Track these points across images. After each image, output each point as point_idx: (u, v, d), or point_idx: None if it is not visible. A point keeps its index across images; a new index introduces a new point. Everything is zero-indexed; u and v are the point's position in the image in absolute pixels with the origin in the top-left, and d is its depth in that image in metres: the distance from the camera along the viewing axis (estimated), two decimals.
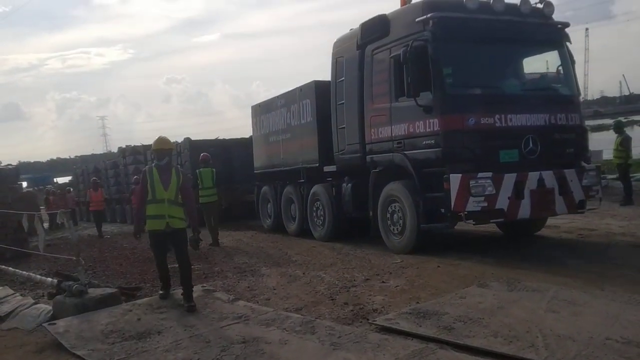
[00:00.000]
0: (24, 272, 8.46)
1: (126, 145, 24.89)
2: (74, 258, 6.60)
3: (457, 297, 6.19)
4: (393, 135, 10.21)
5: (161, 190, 6.65)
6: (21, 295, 7.70)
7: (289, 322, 5.75)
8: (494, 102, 9.31)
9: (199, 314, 6.41)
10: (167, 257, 7.07)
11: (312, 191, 12.98)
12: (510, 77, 9.99)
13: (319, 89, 12.79)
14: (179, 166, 6.37)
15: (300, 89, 13.48)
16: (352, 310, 6.25)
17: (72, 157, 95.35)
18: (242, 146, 20.37)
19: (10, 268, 8.89)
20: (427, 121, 9.34)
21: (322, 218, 12.67)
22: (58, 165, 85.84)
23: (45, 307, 6.80)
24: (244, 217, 18.61)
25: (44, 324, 6.07)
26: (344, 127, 11.73)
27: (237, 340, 5.31)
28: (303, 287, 7.61)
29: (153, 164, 6.96)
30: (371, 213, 10.95)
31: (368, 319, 5.80)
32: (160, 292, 7.01)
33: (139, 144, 24.09)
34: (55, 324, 5.99)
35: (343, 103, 11.68)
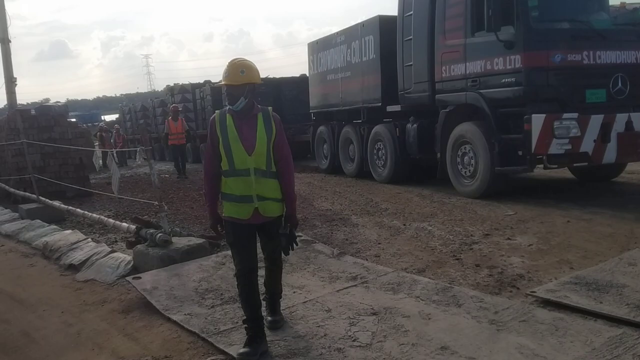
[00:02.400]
0: (94, 215, 8.12)
1: (174, 84, 24.71)
2: (156, 203, 6.26)
3: (625, 264, 5.02)
4: (467, 72, 9.71)
5: (242, 153, 3.78)
6: (93, 240, 7.32)
7: (419, 288, 4.73)
8: (582, 37, 8.69)
9: (304, 272, 5.47)
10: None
11: (373, 131, 12.63)
12: (599, 11, 9.33)
13: (383, 25, 12.25)
14: (270, 109, 4.02)
15: (363, 24, 12.95)
16: (490, 275, 5.21)
17: (117, 95, 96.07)
18: (292, 85, 20.05)
19: (79, 210, 8.67)
20: (508, 57, 8.80)
21: (383, 159, 12.36)
22: (104, 103, 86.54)
23: (123, 257, 6.24)
24: (295, 158, 18.34)
25: (127, 278, 5.43)
26: (410, 65, 11.25)
27: (365, 311, 4.31)
28: (412, 242, 6.68)
29: (226, 109, 3.94)
30: (439, 155, 10.59)
31: (518, 288, 4.80)
32: (244, 349, 3.75)
33: (187, 82, 23.86)
34: (140, 278, 5.32)
35: (411, 39, 11.17)
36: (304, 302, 4.65)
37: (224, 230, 4.03)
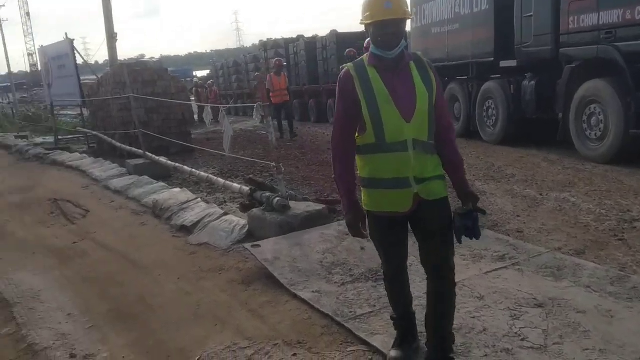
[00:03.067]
0: (202, 173, 7.85)
1: (267, 39, 24.22)
2: (273, 164, 5.74)
3: None
4: (600, 23, 8.54)
5: (397, 120, 2.68)
6: (202, 200, 6.91)
7: (586, 275, 3.89)
8: None
9: None
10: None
11: (483, 88, 11.62)
12: None
13: None
14: (420, 54, 2.81)
15: None
16: None
17: (207, 51, 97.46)
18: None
19: (186, 167, 8.36)
20: None
21: (493, 119, 11.37)
22: (195, 60, 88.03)
23: (237, 221, 5.75)
24: None
25: (245, 246, 4.94)
26: (531, 16, 10.11)
27: (526, 301, 3.57)
28: (557, 216, 5.73)
29: (367, 61, 2.76)
30: (560, 115, 9.54)
31: None
32: (395, 352, 3.04)
33: (280, 37, 23.31)
34: (259, 246, 4.82)
35: None
36: None
37: (366, 231, 2.94)
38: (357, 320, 3.53)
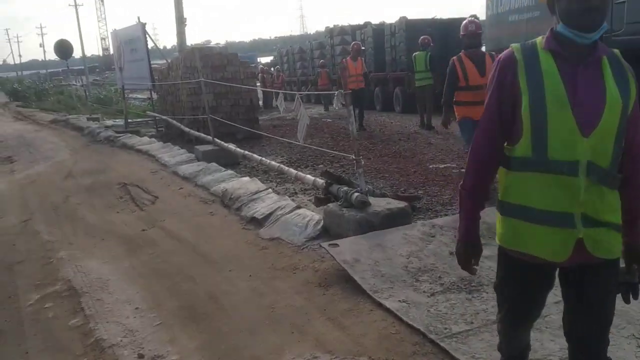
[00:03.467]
0: (273, 162, 7.44)
1: (334, 25, 23.76)
2: (353, 157, 5.26)
3: None
4: None
5: (570, 131, 1.86)
6: (273, 191, 6.57)
7: None
8: None
9: None
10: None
11: None
12: None
13: None
14: (618, 52, 2.08)
15: None
16: None
17: (272, 37, 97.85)
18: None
19: (256, 155, 8.03)
20: None
21: None
22: (260, 46, 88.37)
23: (311, 215, 5.34)
24: None
25: (322, 245, 4.50)
26: (623, 2, 9.28)
27: None
28: None
29: (542, 44, 2.00)
30: None
31: None
32: None
33: (347, 24, 22.79)
34: (337, 245, 4.37)
35: None
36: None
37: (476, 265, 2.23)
38: (454, 339, 3.09)
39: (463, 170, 2.46)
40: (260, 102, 24.63)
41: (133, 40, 14.15)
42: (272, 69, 30.41)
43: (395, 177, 7.51)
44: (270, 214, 5.66)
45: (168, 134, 13.17)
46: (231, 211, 6.29)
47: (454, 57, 6.56)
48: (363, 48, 13.62)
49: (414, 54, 13.47)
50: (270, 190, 6.46)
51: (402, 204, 4.99)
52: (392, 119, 15.60)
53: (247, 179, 7.15)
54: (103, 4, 59.35)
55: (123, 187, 7.95)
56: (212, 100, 11.40)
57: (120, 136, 12.60)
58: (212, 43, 22.36)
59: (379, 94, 19.67)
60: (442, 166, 8.05)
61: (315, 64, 25.92)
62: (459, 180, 2.22)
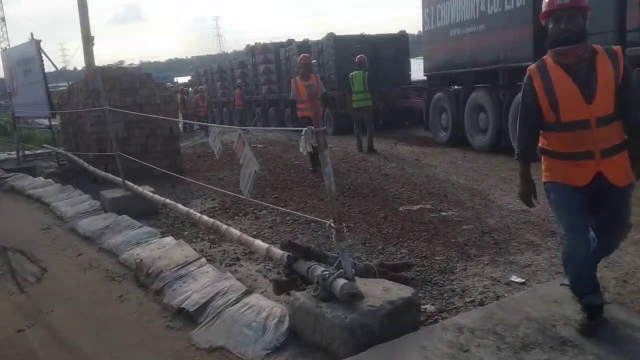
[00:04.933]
0: (206, 217, 5.26)
1: (255, 43, 21.97)
2: (332, 224, 3.28)
3: None
4: None
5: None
6: (208, 259, 4.68)
7: None
8: None
9: None
10: None
11: (518, 97, 9.58)
12: None
13: None
14: None
15: None
16: None
17: (188, 57, 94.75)
18: (390, 43, 17.01)
19: (181, 206, 5.93)
20: None
21: None
22: (176, 65, 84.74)
23: (269, 308, 3.53)
24: (395, 127, 15.52)
25: None
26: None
27: None
28: None
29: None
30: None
31: None
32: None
33: (269, 42, 21.07)
34: None
35: None
36: None
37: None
38: None
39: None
40: (181, 126, 22.44)
41: (27, 60, 11.81)
42: (191, 89, 28.17)
43: (362, 226, 5.81)
44: (207, 302, 3.81)
45: (71, 170, 10.83)
46: (149, 295, 4.35)
47: (533, 66, 3.22)
48: (314, 61, 9.78)
49: (350, 73, 12.01)
50: (203, 259, 4.58)
51: (406, 291, 3.26)
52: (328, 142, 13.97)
53: (170, 240, 5.21)
54: (5, 24, 54.22)
55: (1, 252, 5.81)
56: (123, 131, 9.32)
57: (8, 177, 10.11)
58: (126, 63, 19.99)
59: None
60: (415, 208, 6.44)
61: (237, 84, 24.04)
62: None
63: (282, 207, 6.90)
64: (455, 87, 11.80)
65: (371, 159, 10.52)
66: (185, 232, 5.98)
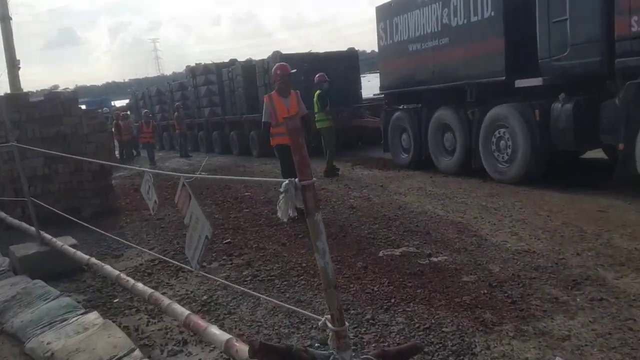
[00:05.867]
0: (139, 286, 3.71)
1: (196, 64, 20.64)
2: (329, 323, 2.10)
3: None
4: None
5: None
6: (145, 346, 3.62)
7: None
8: None
9: None
10: None
11: (491, 115, 8.78)
12: None
13: None
14: None
15: None
16: None
17: (126, 80, 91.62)
18: (339, 61, 16.08)
19: (109, 268, 4.50)
20: None
21: (507, 152, 8.54)
22: (113, 89, 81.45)
23: None
24: (349, 147, 14.57)
25: None
26: (565, 20, 7.39)
27: None
28: None
29: None
30: (621, 146, 6.81)
31: None
32: None
33: (210, 62, 19.81)
34: None
35: None
36: None
37: None
38: None
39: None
40: (117, 153, 20.73)
41: None
42: (128, 112, 26.43)
43: (340, 282, 4.61)
44: None
45: None
46: None
47: None
48: (294, 70, 7.64)
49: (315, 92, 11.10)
50: (137, 352, 3.32)
51: None
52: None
53: (93, 317, 3.89)
54: None
55: None
56: (43, 167, 7.87)
57: None
58: (61, 88, 18.35)
59: (255, 139, 16.91)
60: (398, 252, 5.36)
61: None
62: None
63: (236, 257, 5.73)
64: (417, 105, 10.92)
65: (331, 187, 9.44)
66: (117, 300, 4.66)
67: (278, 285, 4.77)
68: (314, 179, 2.20)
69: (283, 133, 6.71)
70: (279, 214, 2.23)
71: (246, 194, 9.58)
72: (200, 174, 3.48)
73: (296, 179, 2.19)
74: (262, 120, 7.39)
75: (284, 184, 2.20)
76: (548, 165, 8.31)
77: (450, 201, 7.62)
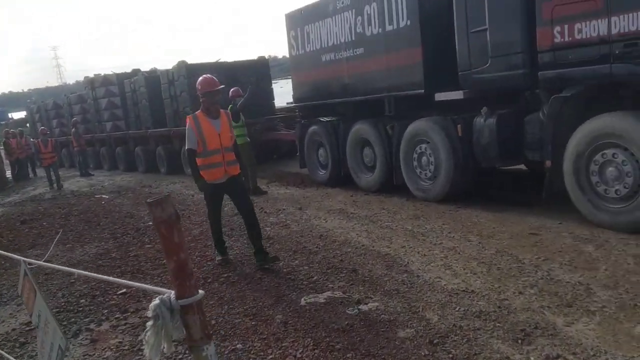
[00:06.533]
0: None
1: (95, 75, 19.12)
2: None
3: None
4: (612, 33, 5.63)
5: None
6: None
7: None
8: None
9: None
10: None
11: (411, 130, 8.29)
12: None
13: None
14: None
15: None
16: None
17: (25, 90, 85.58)
18: (250, 71, 15.24)
19: None
20: None
21: (430, 169, 8.08)
22: (12, 100, 75.42)
23: None
24: (264, 161, 13.77)
25: None
26: (484, 29, 7.00)
27: None
28: None
29: None
30: (548, 164, 6.47)
31: None
32: None
33: (111, 72, 18.37)
34: None
35: None
36: None
37: None
38: None
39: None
40: (9, 174, 18.92)
41: None
42: (22, 129, 24.23)
43: (256, 346, 3.80)
44: None
45: None
46: None
47: None
48: (222, 86, 5.28)
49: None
50: None
51: None
52: (163, 182, 11.86)
53: None
54: None
55: None
56: None
57: None
58: None
59: (162, 154, 15.76)
60: (322, 299, 4.61)
61: (77, 120, 20.89)
62: None
63: (132, 313, 4.80)
64: (333, 118, 10.32)
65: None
66: None
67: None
68: (201, 292, 1.41)
69: (215, 164, 5.63)
70: (146, 353, 1.43)
71: (149, 223, 8.57)
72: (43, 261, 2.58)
73: (172, 295, 1.40)
74: (186, 147, 5.82)
75: (152, 305, 1.40)
76: (472, 181, 7.91)
77: (374, 226, 7.00)
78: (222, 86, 5.92)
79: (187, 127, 5.71)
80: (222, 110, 5.90)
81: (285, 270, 5.54)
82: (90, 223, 9.14)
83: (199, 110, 5.81)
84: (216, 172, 5.66)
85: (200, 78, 5.85)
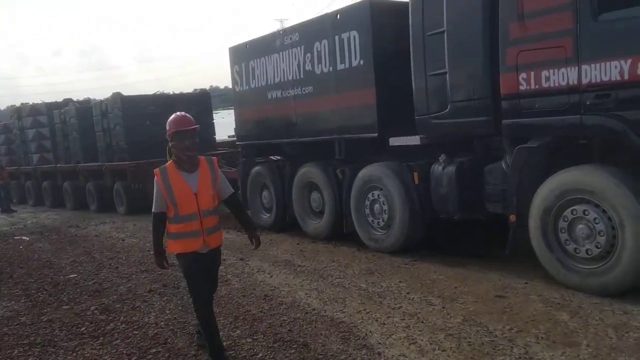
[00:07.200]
0: None
1: (21, 103, 17.76)
2: None
3: None
4: (582, 82, 5.24)
5: None
6: None
7: None
8: None
9: None
10: None
11: (363, 175, 7.70)
12: None
13: (376, 12, 7.44)
14: None
15: (337, 14, 7.98)
16: None
17: None
18: (191, 103, 14.42)
19: None
20: None
21: (383, 218, 7.48)
22: None
23: None
24: None
25: None
26: (444, 73, 6.52)
27: None
28: None
29: None
30: (512, 219, 5.97)
31: None
32: None
33: (40, 101, 17.11)
34: None
35: (443, 31, 6.46)
36: None
37: None
38: None
39: None
40: None
41: None
42: None
43: None
44: None
45: None
46: None
47: None
48: (196, 126, 4.26)
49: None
50: None
51: None
52: (119, 222, 10.80)
53: None
54: None
55: None
56: None
57: None
58: None
59: (92, 190, 14.59)
60: None
61: (1, 151, 19.39)
62: None
63: None
64: (279, 158, 9.64)
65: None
66: None
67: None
68: None
69: (190, 233, 4.14)
70: None
71: (71, 275, 7.53)
72: None
73: None
74: (152, 210, 4.22)
75: None
76: (427, 232, 7.36)
77: (324, 283, 6.28)
78: (197, 126, 4.26)
79: (154, 183, 4.18)
80: (203, 159, 4.30)
81: (225, 343, 4.70)
82: (2, 275, 7.98)
83: (170, 162, 4.25)
84: (192, 244, 4.15)
85: (171, 117, 4.25)
